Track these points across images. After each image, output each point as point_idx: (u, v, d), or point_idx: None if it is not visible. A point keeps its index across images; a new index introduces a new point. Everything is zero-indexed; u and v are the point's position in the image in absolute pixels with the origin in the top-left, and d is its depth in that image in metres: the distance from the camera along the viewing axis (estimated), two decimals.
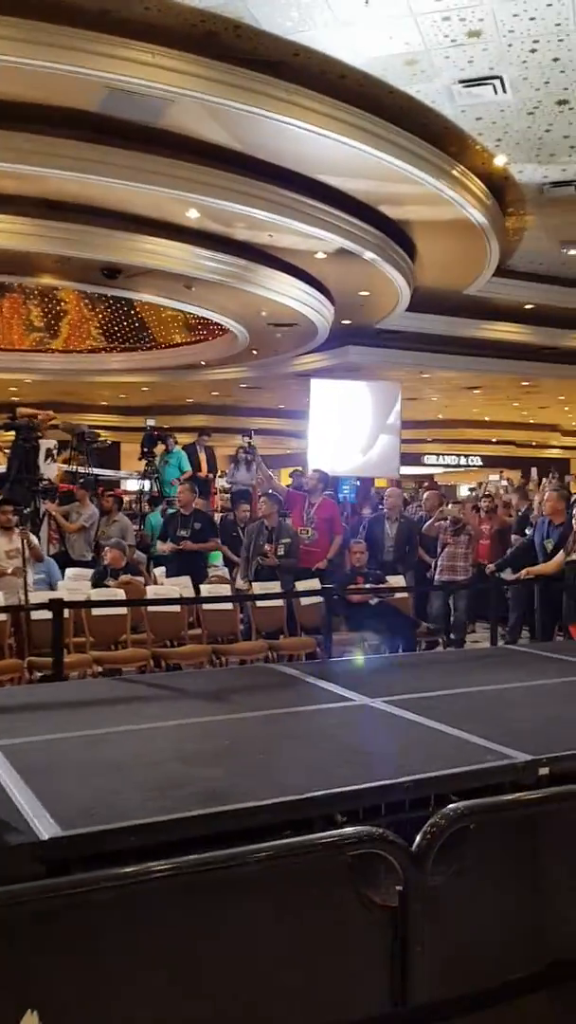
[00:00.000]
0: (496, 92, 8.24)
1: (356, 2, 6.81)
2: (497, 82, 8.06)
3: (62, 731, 3.71)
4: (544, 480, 10.12)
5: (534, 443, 29.75)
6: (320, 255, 11.34)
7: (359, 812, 2.79)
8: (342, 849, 1.99)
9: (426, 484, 13.42)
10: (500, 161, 9.89)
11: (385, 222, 11.01)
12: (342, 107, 8.31)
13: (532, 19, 7.02)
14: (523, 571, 7.32)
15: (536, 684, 4.84)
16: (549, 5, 6.82)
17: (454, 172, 9.73)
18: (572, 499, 8.34)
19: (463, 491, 24.41)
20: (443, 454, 29.77)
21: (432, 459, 29.69)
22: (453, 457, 30.03)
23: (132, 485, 15.42)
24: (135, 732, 3.75)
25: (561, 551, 6.89)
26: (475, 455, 30.13)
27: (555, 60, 7.69)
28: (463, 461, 30.30)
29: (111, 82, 7.43)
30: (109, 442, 18.23)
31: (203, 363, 18.81)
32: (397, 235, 11.41)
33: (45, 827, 2.47)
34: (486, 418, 26.72)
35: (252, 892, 1.99)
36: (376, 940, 1.98)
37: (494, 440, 29.20)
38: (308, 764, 3.27)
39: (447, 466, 30.13)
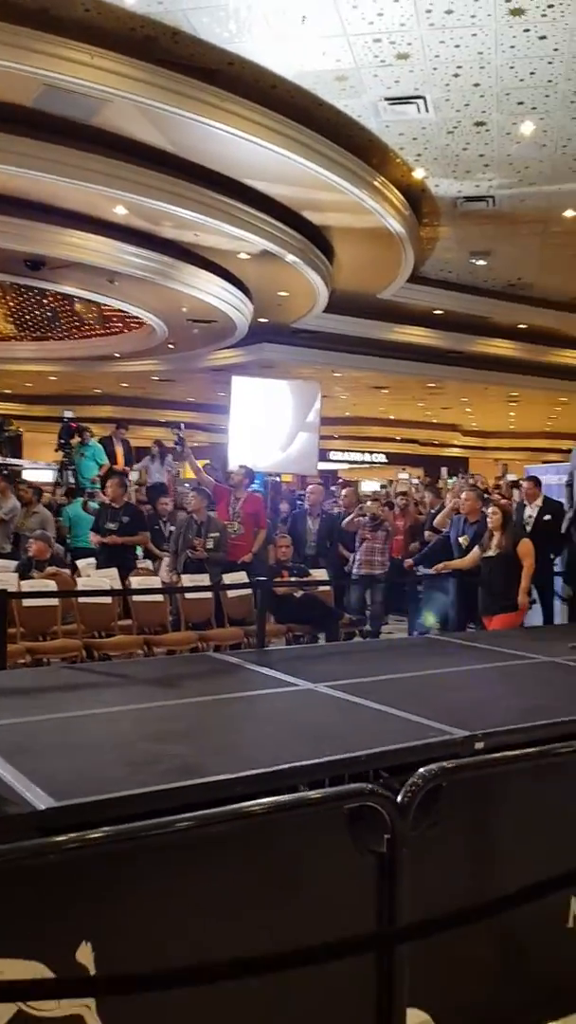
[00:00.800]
0: (419, 111, 8.68)
1: (293, 19, 7.11)
2: (421, 102, 8.49)
3: (30, 715, 3.91)
4: (455, 479, 10.65)
5: (436, 442, 30.71)
6: (243, 256, 11.61)
7: (324, 783, 3.12)
8: (341, 802, 2.30)
9: (341, 481, 13.85)
10: (419, 175, 10.35)
11: (307, 226, 11.35)
12: (272, 116, 8.59)
13: (457, 46, 7.46)
14: (440, 565, 7.77)
15: (462, 670, 5.29)
16: (474, 35, 7.26)
17: (375, 183, 10.14)
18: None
19: (369, 487, 25.03)
20: (349, 451, 30.44)
21: (338, 455, 30.32)
22: (358, 454, 30.72)
23: (35, 475, 15.16)
24: (101, 716, 3.98)
25: (476, 547, 7.35)
26: (380, 452, 30.90)
27: (476, 85, 8.16)
28: (368, 458, 31.03)
29: (48, 79, 7.51)
30: (21, 431, 18.04)
31: (117, 355, 18.82)
32: (317, 239, 11.77)
33: (39, 799, 2.71)
34: (391, 417, 27.47)
35: (263, 840, 2.28)
36: (367, 879, 2.32)
37: (398, 438, 30.03)
38: (270, 742, 3.58)
39: (352, 462, 30.81)
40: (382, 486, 13.16)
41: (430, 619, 8.22)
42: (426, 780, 2.43)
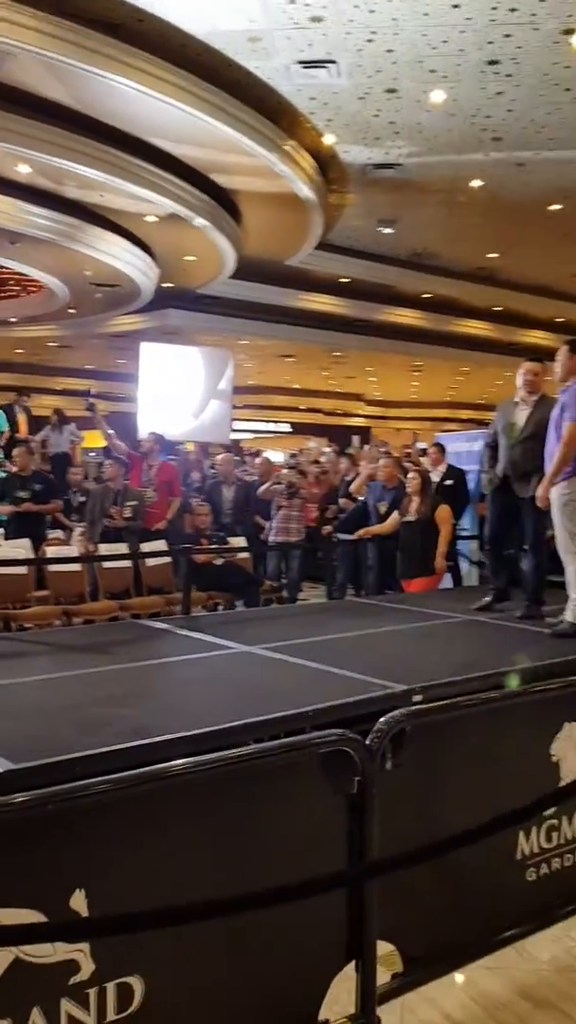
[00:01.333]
0: (331, 76, 8.64)
1: None
2: (333, 66, 8.46)
3: None
4: (367, 447, 10.80)
5: (340, 411, 30.97)
6: (150, 218, 11.39)
7: (279, 737, 3.18)
8: (316, 747, 2.37)
9: (254, 451, 13.88)
10: (329, 140, 10.34)
11: (215, 190, 11.22)
12: (181, 74, 8.42)
13: (371, 12, 7.46)
14: (361, 531, 7.89)
15: (388, 630, 5.44)
16: (388, 1, 7.27)
17: (285, 147, 10.08)
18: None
19: (273, 457, 25.07)
20: (253, 420, 30.37)
21: (241, 424, 30.22)
22: (262, 423, 30.69)
23: None
24: (42, 682, 3.95)
25: (395, 512, 7.50)
26: (284, 421, 30.96)
27: (389, 51, 8.17)
28: (272, 427, 31.04)
29: None
30: None
31: (13, 319, 18.25)
32: (225, 203, 11.65)
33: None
34: (296, 386, 27.53)
35: (244, 784, 2.33)
36: (339, 818, 2.40)
37: (303, 407, 30.14)
38: (218, 702, 3.62)
39: (256, 432, 30.77)
40: (292, 455, 13.23)
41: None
42: (391, 725, 2.51)
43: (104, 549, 7.84)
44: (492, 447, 5.81)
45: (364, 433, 30.87)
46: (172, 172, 10.19)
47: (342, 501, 10.02)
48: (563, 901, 3.12)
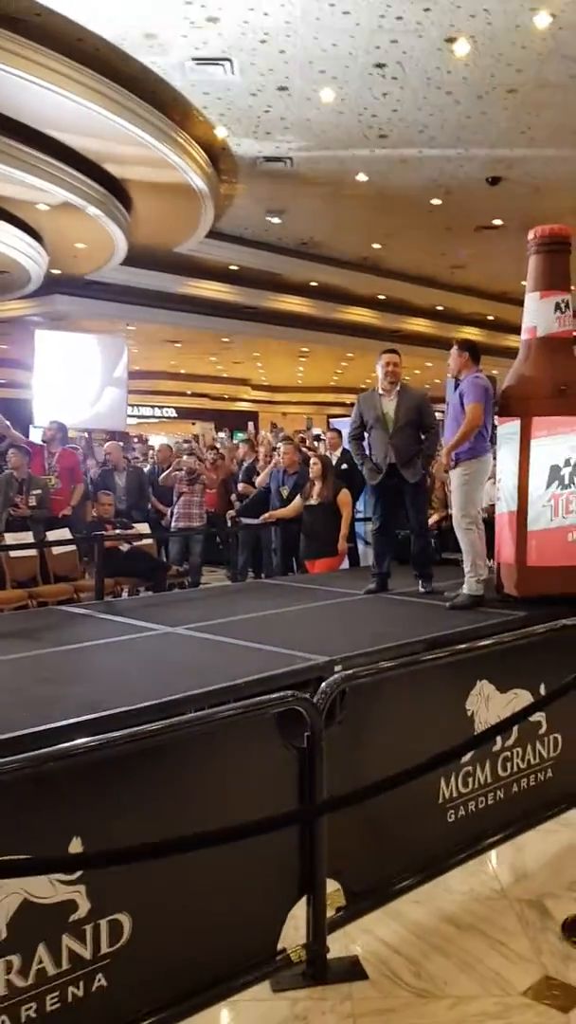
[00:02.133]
0: (225, 73, 8.89)
1: None
2: (227, 64, 8.71)
3: None
4: (264, 433, 11.11)
5: (227, 396, 31.19)
6: (42, 207, 11.35)
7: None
8: (271, 707, 2.68)
9: (142, 437, 14.03)
10: (221, 133, 10.57)
11: (108, 179, 11.27)
12: (76, 68, 8.51)
13: (266, 14, 7.74)
14: (266, 515, 8.20)
15: (300, 608, 5.79)
16: (282, 5, 7.56)
17: (178, 139, 10.26)
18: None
19: (157, 441, 25.06)
20: (138, 405, 30.22)
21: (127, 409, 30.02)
22: (148, 408, 30.57)
23: None
24: None
25: (298, 496, 7.84)
26: (170, 407, 30.94)
27: (281, 52, 8.47)
28: (157, 412, 30.98)
29: None
30: None
31: None
32: (118, 192, 11.72)
33: None
34: (183, 371, 27.59)
35: (206, 744, 2.62)
36: (291, 769, 2.74)
37: (189, 392, 30.20)
38: (156, 678, 3.88)
39: (142, 417, 30.64)
40: (186, 441, 13.40)
41: None
42: (332, 687, 2.86)
43: (10, 538, 7.88)
44: (358, 439, 6.08)
45: (252, 418, 31.22)
46: (66, 162, 10.22)
47: (241, 486, 10.32)
48: (478, 839, 3.54)
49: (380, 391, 5.95)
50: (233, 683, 3.47)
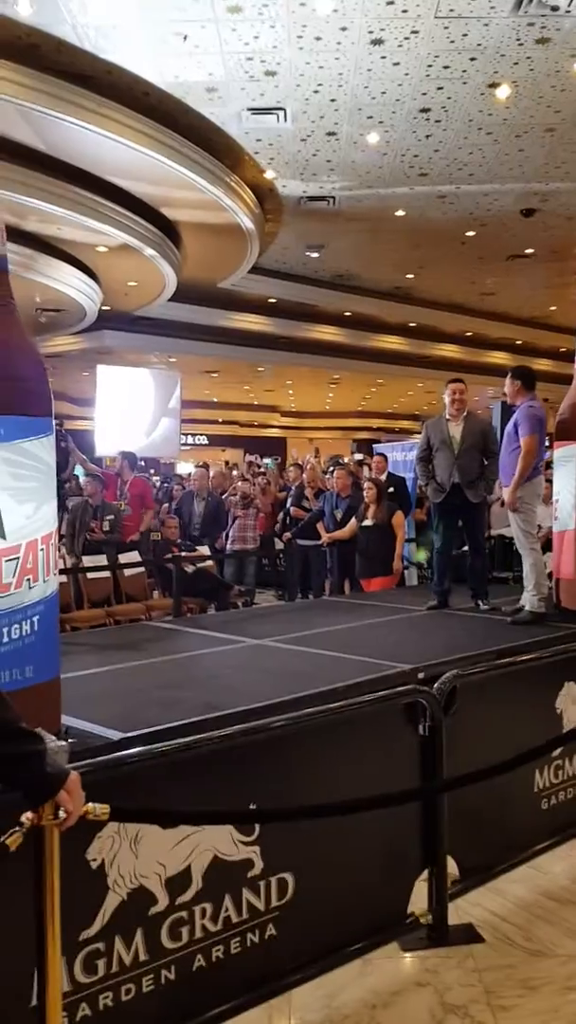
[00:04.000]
0: (279, 121, 9.42)
1: (175, 35, 7.63)
2: (281, 113, 9.24)
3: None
4: (309, 458, 11.59)
5: (256, 423, 31.73)
6: (102, 248, 11.92)
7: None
8: (400, 698, 3.09)
9: (203, 463, 14.55)
10: (269, 176, 11.11)
11: (161, 220, 11.83)
12: (140, 119, 9.06)
13: (320, 68, 8.26)
14: (326, 536, 8.63)
15: (370, 623, 6.16)
16: (336, 59, 8.08)
17: (230, 182, 10.80)
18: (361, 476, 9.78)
19: (185, 468, 25.50)
20: None
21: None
22: (181, 436, 31.13)
23: None
24: (98, 675, 4.49)
25: (353, 519, 8.26)
26: (202, 434, 31.52)
27: (332, 100, 8.99)
28: (190, 440, 31.54)
29: None
30: None
31: None
32: (169, 232, 12.28)
33: (112, 734, 3.29)
34: (215, 399, 28.15)
35: (341, 731, 3.03)
36: (414, 751, 3.13)
37: (220, 420, 30.77)
38: (260, 683, 4.25)
39: None
40: (249, 466, 13.86)
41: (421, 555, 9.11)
42: (446, 683, 3.26)
43: (86, 561, 8.34)
44: (425, 460, 6.50)
45: (281, 444, 31.72)
46: (126, 207, 10.77)
47: (293, 510, 10.74)
48: (569, 825, 3.91)
49: (447, 416, 6.35)
50: (345, 684, 3.85)
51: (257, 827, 2.67)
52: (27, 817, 1.84)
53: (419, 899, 3.24)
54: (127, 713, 3.66)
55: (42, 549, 3.29)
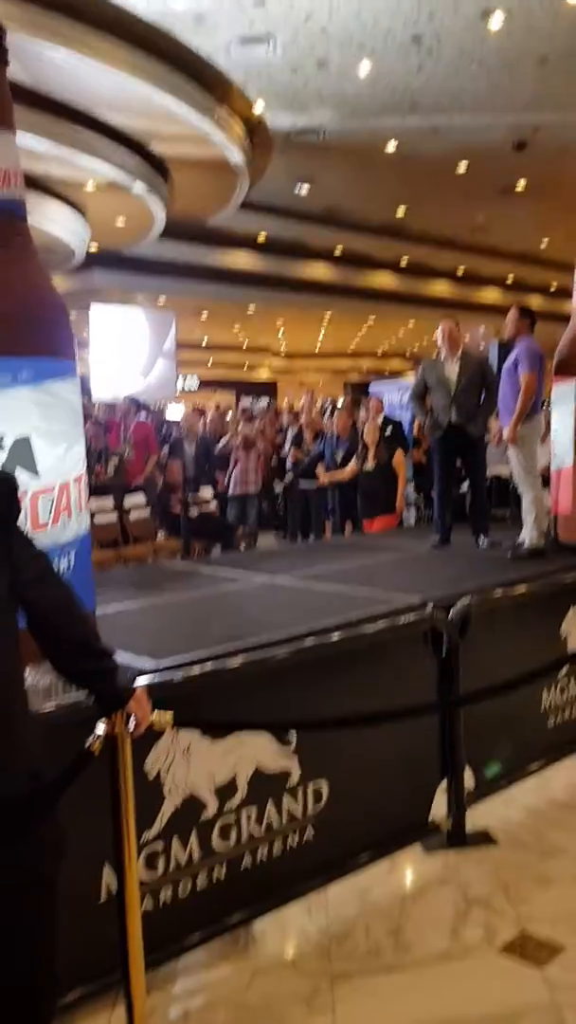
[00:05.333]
0: (267, 51, 9.28)
1: None
2: (271, 43, 9.09)
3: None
4: (307, 400, 11.58)
5: (246, 365, 31.58)
6: (90, 187, 11.79)
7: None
8: (420, 625, 3.27)
9: (199, 408, 14.54)
10: (258, 108, 10.95)
11: (151, 157, 11.69)
12: (128, 49, 8.90)
13: None
14: (325, 477, 8.73)
15: (377, 560, 6.29)
16: None
17: (219, 115, 10.65)
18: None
19: (176, 412, 25.38)
20: None
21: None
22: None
23: None
24: (121, 612, 4.62)
25: (354, 460, 8.36)
26: (191, 373, 31.31)
27: (322, 30, 8.85)
28: (180, 384, 31.34)
29: None
30: None
31: None
32: (159, 169, 12.13)
33: (146, 663, 3.45)
34: (205, 341, 27.95)
35: (369, 653, 3.21)
36: (432, 672, 3.33)
37: (210, 363, 30.59)
38: (284, 615, 4.40)
39: None
40: (243, 410, 13.84)
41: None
42: (461, 609, 3.45)
43: (93, 504, 8.44)
44: (420, 397, 6.58)
45: (272, 387, 31.60)
46: (116, 141, 10.64)
47: (292, 452, 10.84)
48: (573, 740, 4.14)
49: (442, 357, 6.41)
50: (365, 613, 4.02)
51: (294, 740, 2.86)
52: (103, 728, 2.01)
53: (439, 807, 3.45)
54: (156, 646, 3.80)
55: (75, 488, 3.42)
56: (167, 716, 2.14)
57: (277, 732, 2.76)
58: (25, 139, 9.62)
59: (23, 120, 9.09)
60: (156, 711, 2.09)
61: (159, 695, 2.50)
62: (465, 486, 6.99)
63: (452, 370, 6.37)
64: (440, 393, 6.37)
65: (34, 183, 11.43)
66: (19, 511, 1.83)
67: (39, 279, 3.40)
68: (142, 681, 2.60)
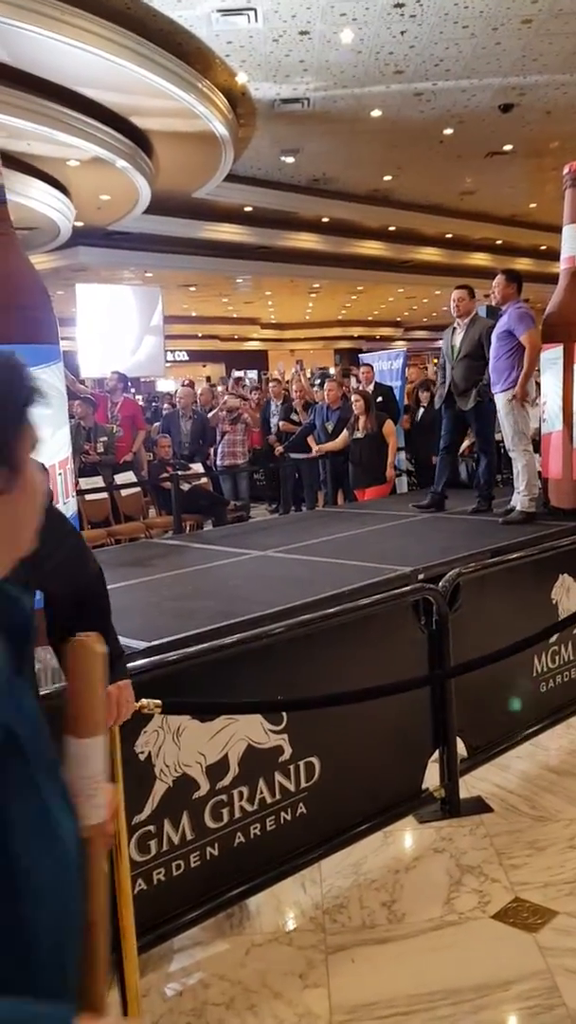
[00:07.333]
0: (249, 21, 9.15)
1: None
2: (252, 13, 8.97)
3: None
4: (296, 371, 11.58)
5: (236, 336, 31.43)
6: (73, 163, 11.66)
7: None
8: (409, 596, 3.29)
9: (188, 382, 14.49)
10: (241, 79, 10.82)
11: (133, 131, 11.55)
12: (106, 25, 8.78)
13: None
14: (316, 448, 8.75)
15: (367, 530, 6.34)
16: None
17: (201, 87, 10.52)
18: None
19: (166, 386, 25.33)
20: None
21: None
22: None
23: None
24: (111, 591, 4.64)
25: (345, 430, 8.37)
26: (181, 350, 31.21)
27: None
28: (171, 356, 31.23)
29: None
30: None
31: None
32: (141, 142, 12.00)
33: (137, 644, 3.48)
34: (194, 313, 27.82)
35: (358, 626, 3.24)
36: (422, 644, 3.36)
37: (200, 335, 30.45)
38: (271, 591, 4.44)
39: None
40: (208, 381, 13.87)
41: None
42: (451, 580, 3.47)
43: (83, 483, 8.44)
44: (442, 367, 6.67)
45: (262, 357, 31.51)
46: (96, 118, 10.51)
47: (282, 424, 10.84)
48: (565, 706, 4.18)
49: (455, 325, 6.43)
50: (354, 587, 4.06)
51: (285, 717, 2.89)
52: None
53: (432, 777, 3.51)
54: (147, 624, 3.85)
55: (60, 473, 3.43)
56: (155, 703, 2.17)
57: (267, 710, 2.79)
58: (4, 118, 9.55)
59: (2, 99, 9.02)
60: (143, 699, 2.11)
61: (150, 674, 2.55)
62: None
63: (457, 339, 6.40)
64: (447, 361, 6.44)
65: (15, 161, 11.32)
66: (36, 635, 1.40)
67: (20, 264, 3.39)
68: (134, 663, 2.63)
